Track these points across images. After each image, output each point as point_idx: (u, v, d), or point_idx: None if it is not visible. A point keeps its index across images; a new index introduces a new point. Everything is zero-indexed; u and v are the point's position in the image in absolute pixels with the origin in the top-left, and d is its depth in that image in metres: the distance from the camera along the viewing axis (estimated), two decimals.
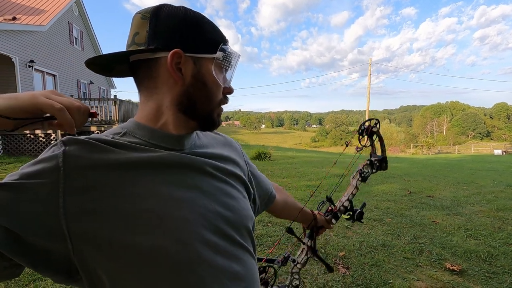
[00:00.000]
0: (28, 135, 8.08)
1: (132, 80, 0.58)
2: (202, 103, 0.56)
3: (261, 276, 0.92)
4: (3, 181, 0.43)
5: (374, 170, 1.06)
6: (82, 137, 0.49)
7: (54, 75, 11.96)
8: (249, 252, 0.59)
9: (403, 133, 53.91)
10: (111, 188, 0.46)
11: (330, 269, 1.11)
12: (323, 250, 2.87)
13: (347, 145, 1.07)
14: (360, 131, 1.04)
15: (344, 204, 1.03)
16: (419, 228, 3.56)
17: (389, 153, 27.32)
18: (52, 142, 8.21)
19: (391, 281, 2.36)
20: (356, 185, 1.03)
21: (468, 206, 4.61)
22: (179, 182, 0.52)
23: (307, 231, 1.05)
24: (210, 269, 0.49)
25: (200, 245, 0.49)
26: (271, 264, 0.94)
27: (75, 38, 13.61)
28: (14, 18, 10.27)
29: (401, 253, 2.87)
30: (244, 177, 0.66)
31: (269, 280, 0.93)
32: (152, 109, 0.55)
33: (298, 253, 1.03)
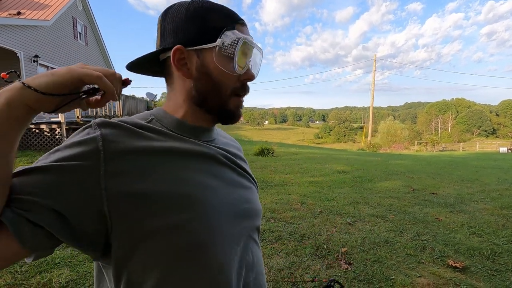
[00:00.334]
0: (33, 129, 8.14)
1: (135, 75, 0.62)
2: (211, 95, 0.56)
3: None
4: (42, 164, 0.43)
5: None
6: (114, 119, 0.50)
7: None
8: (257, 243, 0.63)
9: (407, 130, 53.50)
10: (146, 172, 0.47)
11: None
12: (325, 246, 2.88)
13: None
14: None
15: None
16: (422, 225, 3.55)
17: (393, 150, 27.18)
18: (57, 136, 8.30)
19: (393, 277, 2.36)
20: None
21: (472, 203, 4.59)
22: (207, 171, 0.55)
23: None
24: (230, 257, 0.52)
25: (223, 233, 0.52)
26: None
27: (79, 33, 13.63)
28: (18, 13, 10.31)
29: (404, 249, 2.87)
30: (254, 177, 0.71)
31: None
32: (174, 102, 0.59)
33: None
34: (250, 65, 0.58)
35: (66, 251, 2.60)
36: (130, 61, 0.57)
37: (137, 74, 0.62)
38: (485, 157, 15.59)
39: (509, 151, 23.26)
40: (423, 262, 2.63)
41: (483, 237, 3.20)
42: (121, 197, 0.44)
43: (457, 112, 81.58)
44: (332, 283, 0.86)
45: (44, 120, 8.78)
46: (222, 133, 0.71)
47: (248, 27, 0.59)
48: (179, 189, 0.48)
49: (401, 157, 13.45)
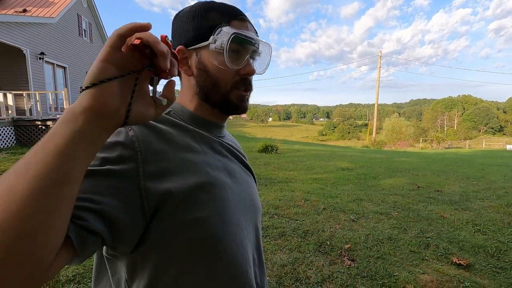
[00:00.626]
0: (40, 126, 8.24)
1: None
2: (211, 90, 0.58)
3: None
4: (90, 168, 0.42)
5: None
6: None
7: (64, 67, 12.11)
8: (259, 240, 0.67)
9: (413, 127, 53.01)
10: (171, 171, 0.48)
11: None
12: (328, 242, 2.89)
13: None
14: None
15: None
16: (426, 222, 3.54)
17: (398, 148, 26.97)
18: None
19: (396, 273, 2.36)
20: None
21: (477, 201, 4.55)
22: (223, 168, 0.58)
23: None
24: (240, 254, 0.55)
25: (239, 228, 0.55)
26: None
27: (84, 31, 13.69)
28: (24, 10, 10.38)
29: (407, 246, 2.86)
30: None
31: None
32: (185, 97, 0.62)
33: None
34: (251, 60, 0.59)
35: None
36: None
37: None
38: (491, 154, 15.41)
39: None
40: (427, 259, 2.63)
41: (488, 235, 3.18)
42: (155, 196, 0.46)
43: (464, 109, 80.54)
44: None
45: (50, 117, 8.87)
46: (226, 132, 0.74)
47: (251, 23, 0.60)
48: (200, 187, 0.50)
49: (406, 155, 13.35)
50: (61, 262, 0.36)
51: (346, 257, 2.62)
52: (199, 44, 0.56)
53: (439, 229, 3.34)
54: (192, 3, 0.62)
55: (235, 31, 0.54)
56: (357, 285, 2.21)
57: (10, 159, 6.20)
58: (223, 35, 0.54)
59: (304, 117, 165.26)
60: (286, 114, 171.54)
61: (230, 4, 0.60)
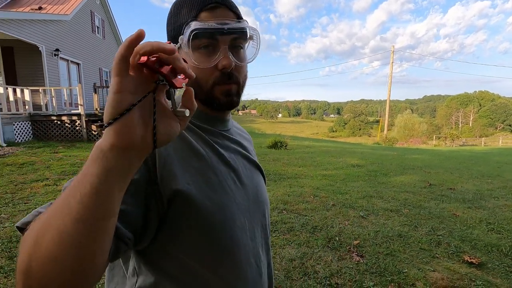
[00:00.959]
0: (55, 121, 8.47)
1: None
2: (196, 89, 0.56)
3: None
4: None
5: None
6: None
7: (78, 64, 12.37)
8: (267, 236, 0.68)
9: (426, 124, 51.85)
10: (181, 172, 0.51)
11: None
12: (337, 238, 2.89)
13: None
14: None
15: None
16: (438, 220, 3.49)
17: (410, 145, 26.46)
18: (77, 128, 8.60)
19: (406, 270, 2.35)
20: None
21: (492, 200, 4.45)
22: (227, 173, 0.58)
23: None
24: (243, 255, 0.57)
25: (238, 229, 0.56)
26: None
27: (97, 27, 13.92)
28: (40, 8, 10.64)
29: (418, 244, 2.83)
30: (263, 169, 0.73)
31: None
32: None
33: None
34: (230, 50, 0.54)
35: None
36: None
37: None
38: (508, 152, 14.93)
39: None
40: (437, 257, 2.60)
41: (503, 234, 3.11)
42: (170, 196, 0.48)
43: (480, 105, 78.07)
44: None
45: (65, 112, 9.10)
46: (235, 124, 0.74)
47: (231, 4, 0.55)
48: (205, 191, 0.52)
49: (418, 152, 13.10)
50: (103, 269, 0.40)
51: (355, 253, 2.62)
52: (177, 44, 0.54)
53: (451, 227, 3.28)
54: None
55: (195, 27, 0.51)
56: (365, 281, 2.21)
57: (28, 153, 6.42)
58: (186, 34, 0.52)
59: (314, 113, 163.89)
60: (296, 110, 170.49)
61: None
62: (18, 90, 8.22)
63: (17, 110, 8.06)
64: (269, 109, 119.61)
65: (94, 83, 9.94)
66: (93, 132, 8.63)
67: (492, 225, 3.34)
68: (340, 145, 16.11)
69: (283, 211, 3.62)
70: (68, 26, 11.31)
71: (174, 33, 0.56)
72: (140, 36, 0.31)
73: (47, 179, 4.62)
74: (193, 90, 0.38)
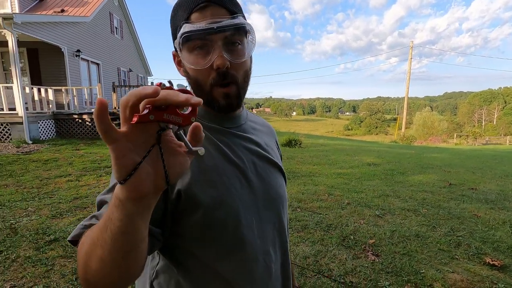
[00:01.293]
0: (77, 119, 8.81)
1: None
2: (197, 91, 0.58)
3: None
4: None
5: None
6: None
7: (98, 64, 12.78)
8: (282, 232, 0.67)
9: (446, 122, 49.96)
10: (188, 173, 0.53)
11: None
12: (352, 237, 2.86)
13: None
14: None
15: None
16: (458, 220, 3.38)
17: (429, 143, 25.63)
18: None
19: (423, 271, 2.30)
20: None
21: None
22: (233, 172, 0.59)
23: None
24: (250, 247, 0.58)
25: (242, 226, 0.57)
26: None
27: (116, 28, 14.30)
28: (62, 11, 11.06)
29: (436, 244, 2.76)
30: (280, 164, 0.70)
31: None
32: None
33: None
34: (224, 48, 0.53)
35: None
36: None
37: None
38: None
39: None
40: (456, 258, 2.52)
41: None
42: (175, 195, 0.52)
43: (505, 102, 74.36)
44: None
45: (86, 111, 9.44)
46: (252, 118, 0.72)
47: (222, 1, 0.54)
48: (209, 191, 0.54)
49: (437, 150, 12.68)
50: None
51: (370, 252, 2.59)
52: (176, 48, 0.56)
53: (472, 228, 3.17)
54: None
55: (184, 31, 0.51)
56: (381, 280, 2.18)
57: (51, 150, 6.72)
58: (178, 38, 0.53)
59: (329, 111, 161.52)
60: (310, 108, 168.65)
61: None
62: (42, 90, 8.61)
63: (42, 109, 8.44)
64: (283, 107, 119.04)
65: (113, 83, 10.22)
66: None
67: None
68: (355, 143, 15.83)
69: (297, 208, 3.62)
70: (88, 28, 11.69)
71: (173, 37, 0.57)
72: (132, 97, 0.29)
73: (70, 175, 4.82)
74: (200, 127, 0.35)
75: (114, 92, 9.96)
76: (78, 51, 10.75)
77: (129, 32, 16.13)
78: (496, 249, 2.70)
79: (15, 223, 2.96)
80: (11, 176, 4.65)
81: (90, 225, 0.46)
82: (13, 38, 7.11)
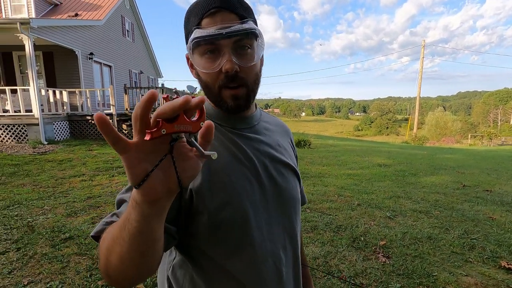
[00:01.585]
0: (90, 120, 9.02)
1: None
2: (207, 93, 0.61)
3: None
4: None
5: None
6: None
7: (110, 66, 13.05)
8: (293, 235, 0.67)
9: (460, 122, 48.70)
10: (206, 170, 0.56)
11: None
12: (362, 238, 2.84)
13: None
14: None
15: None
16: (472, 223, 3.30)
17: (442, 144, 25.07)
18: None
19: (436, 274, 2.26)
20: None
21: None
22: (243, 173, 0.60)
23: None
24: (259, 249, 0.59)
25: (249, 227, 0.57)
26: None
27: (127, 31, 14.57)
28: (76, 15, 11.35)
29: (449, 247, 2.71)
30: (294, 165, 0.70)
31: None
32: (207, 96, 0.65)
33: None
34: (234, 52, 0.54)
35: None
36: None
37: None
38: None
39: None
40: (470, 261, 2.47)
41: None
42: (191, 194, 0.54)
43: None
44: None
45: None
46: (266, 118, 0.73)
47: (233, 5, 0.55)
48: (218, 192, 0.55)
49: (451, 151, 12.39)
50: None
51: (380, 253, 2.56)
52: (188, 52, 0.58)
53: (487, 230, 3.10)
54: None
55: (194, 36, 0.53)
56: (392, 282, 2.16)
57: (66, 150, 6.90)
58: (189, 43, 0.55)
59: (339, 111, 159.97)
60: (320, 108, 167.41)
61: None
62: (57, 92, 8.85)
63: (57, 110, 8.68)
64: (292, 107, 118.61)
65: (125, 84, 10.42)
66: (124, 131, 9.08)
67: None
68: (365, 144, 15.63)
69: (307, 209, 3.61)
70: (101, 31, 11.95)
71: (186, 41, 0.59)
72: (140, 108, 0.30)
73: (83, 174, 4.94)
74: (212, 126, 0.35)
75: (126, 93, 10.15)
76: (91, 54, 11.01)
77: (140, 34, 16.40)
78: None
79: (32, 221, 3.06)
80: (28, 175, 4.81)
81: (111, 222, 0.48)
82: (29, 42, 7.35)
